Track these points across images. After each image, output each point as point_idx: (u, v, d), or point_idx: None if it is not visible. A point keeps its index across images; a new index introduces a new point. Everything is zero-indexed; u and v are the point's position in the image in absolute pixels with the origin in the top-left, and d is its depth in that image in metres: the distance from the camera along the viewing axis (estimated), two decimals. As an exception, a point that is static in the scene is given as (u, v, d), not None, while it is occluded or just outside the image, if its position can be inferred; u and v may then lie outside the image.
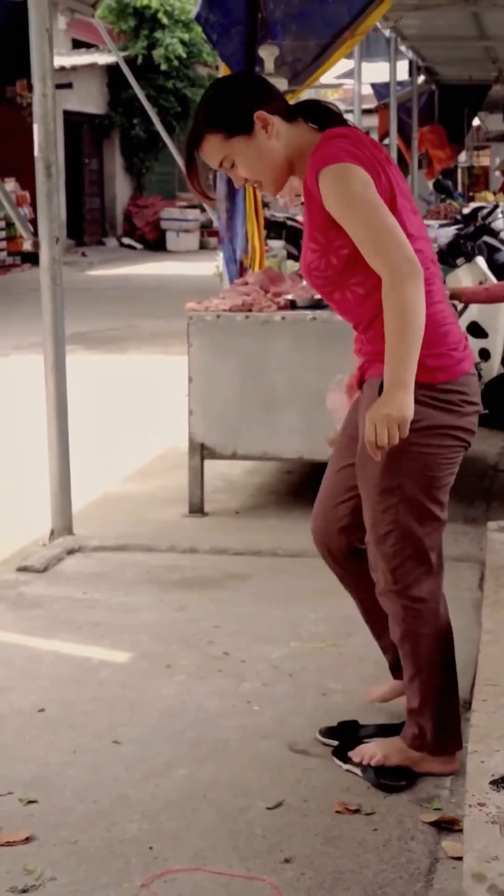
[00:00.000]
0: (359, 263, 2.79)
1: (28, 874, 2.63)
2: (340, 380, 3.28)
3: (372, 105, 17.86)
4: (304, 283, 5.49)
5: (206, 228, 24.90)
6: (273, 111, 2.89)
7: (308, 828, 2.81)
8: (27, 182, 13.70)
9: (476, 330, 6.67)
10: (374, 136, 11.76)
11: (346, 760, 3.10)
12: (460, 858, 2.17)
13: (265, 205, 8.44)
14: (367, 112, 16.24)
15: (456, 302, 5.37)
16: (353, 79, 13.62)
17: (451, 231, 8.14)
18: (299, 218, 11.22)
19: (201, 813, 2.89)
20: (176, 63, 24.68)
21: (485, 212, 8.53)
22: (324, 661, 3.79)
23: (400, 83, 15.40)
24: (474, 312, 6.66)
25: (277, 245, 9.18)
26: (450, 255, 6.99)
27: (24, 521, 5.38)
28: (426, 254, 2.89)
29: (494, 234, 7.88)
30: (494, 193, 17.43)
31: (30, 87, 5.14)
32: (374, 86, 17.11)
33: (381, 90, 16.67)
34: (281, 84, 5.78)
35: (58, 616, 4.24)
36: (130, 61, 22.43)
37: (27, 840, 2.77)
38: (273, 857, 2.69)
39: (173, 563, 4.84)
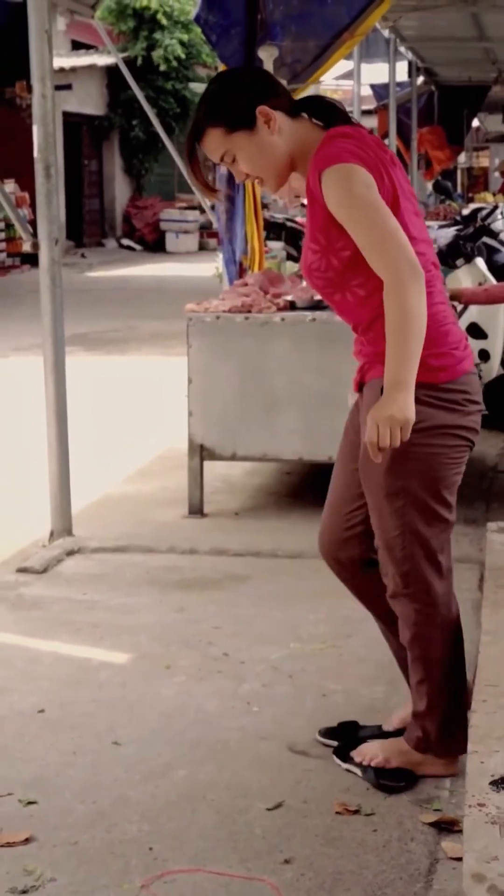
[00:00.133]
0: (360, 265, 2.77)
1: (28, 875, 2.63)
2: None
3: (371, 106, 17.86)
4: (304, 284, 5.50)
5: (206, 229, 24.90)
6: (276, 106, 2.86)
7: (308, 828, 2.81)
8: (26, 183, 13.70)
9: (475, 331, 6.66)
10: (374, 137, 11.70)
11: (346, 759, 3.10)
12: (460, 859, 2.17)
13: (265, 206, 8.45)
14: (366, 113, 16.26)
15: (455, 303, 5.37)
16: (353, 80, 13.63)
17: (450, 232, 8.13)
18: (299, 219, 11.22)
19: (201, 814, 2.89)
20: (175, 64, 24.69)
21: (484, 213, 8.53)
22: (323, 662, 3.79)
23: (399, 84, 15.40)
24: (474, 313, 6.66)
25: (277, 246, 9.18)
26: (449, 257, 6.98)
27: (23, 522, 5.38)
28: (427, 256, 2.87)
29: (494, 235, 7.87)
30: (494, 194, 17.43)
31: (29, 89, 5.14)
32: (373, 87, 17.11)
33: (380, 91, 16.67)
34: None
35: (57, 617, 4.24)
36: (130, 62, 22.44)
37: (27, 841, 2.77)
38: (273, 858, 2.69)
39: (173, 564, 4.84)
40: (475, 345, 6.56)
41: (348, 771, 3.07)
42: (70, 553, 4.93)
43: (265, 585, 4.57)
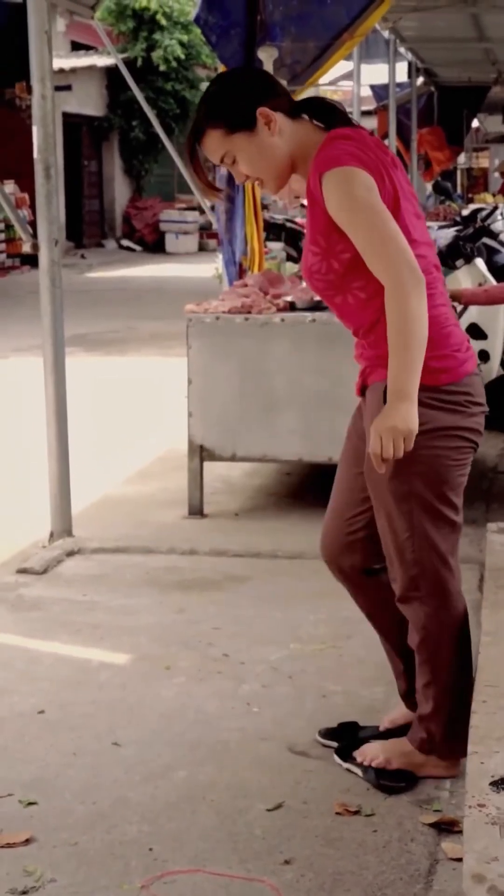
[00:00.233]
0: (361, 268, 2.76)
1: (28, 876, 2.63)
2: None
3: (371, 107, 17.87)
4: (304, 284, 5.50)
5: (206, 230, 24.92)
6: (276, 107, 2.84)
7: (308, 829, 2.81)
8: (26, 184, 13.68)
9: (475, 331, 6.66)
10: (374, 137, 11.72)
11: (346, 759, 3.10)
12: (460, 860, 2.17)
13: (264, 207, 8.45)
14: (366, 114, 16.27)
15: (455, 304, 5.37)
16: (353, 80, 13.63)
17: (450, 233, 8.13)
18: (298, 220, 11.24)
19: (201, 814, 2.89)
20: (175, 65, 24.70)
21: (484, 213, 8.53)
22: (323, 663, 3.79)
23: (399, 85, 15.41)
24: (474, 314, 6.66)
25: (277, 247, 9.18)
26: (449, 257, 6.98)
27: (23, 522, 5.38)
28: (429, 259, 2.86)
29: (494, 235, 7.87)
30: (493, 195, 17.44)
31: (29, 90, 5.15)
32: (373, 87, 17.12)
33: (380, 92, 16.68)
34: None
35: (57, 618, 4.24)
36: (129, 63, 22.47)
37: (27, 842, 2.77)
38: (273, 859, 2.69)
39: (173, 564, 4.84)
40: (475, 345, 6.54)
41: (349, 771, 3.07)
42: (70, 554, 4.94)
43: (265, 586, 4.57)
